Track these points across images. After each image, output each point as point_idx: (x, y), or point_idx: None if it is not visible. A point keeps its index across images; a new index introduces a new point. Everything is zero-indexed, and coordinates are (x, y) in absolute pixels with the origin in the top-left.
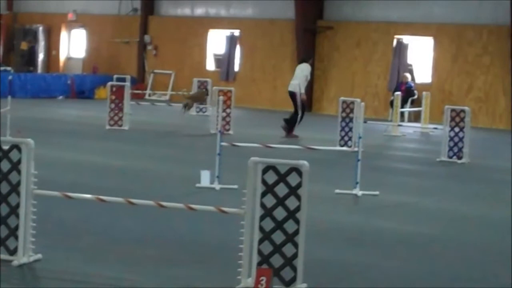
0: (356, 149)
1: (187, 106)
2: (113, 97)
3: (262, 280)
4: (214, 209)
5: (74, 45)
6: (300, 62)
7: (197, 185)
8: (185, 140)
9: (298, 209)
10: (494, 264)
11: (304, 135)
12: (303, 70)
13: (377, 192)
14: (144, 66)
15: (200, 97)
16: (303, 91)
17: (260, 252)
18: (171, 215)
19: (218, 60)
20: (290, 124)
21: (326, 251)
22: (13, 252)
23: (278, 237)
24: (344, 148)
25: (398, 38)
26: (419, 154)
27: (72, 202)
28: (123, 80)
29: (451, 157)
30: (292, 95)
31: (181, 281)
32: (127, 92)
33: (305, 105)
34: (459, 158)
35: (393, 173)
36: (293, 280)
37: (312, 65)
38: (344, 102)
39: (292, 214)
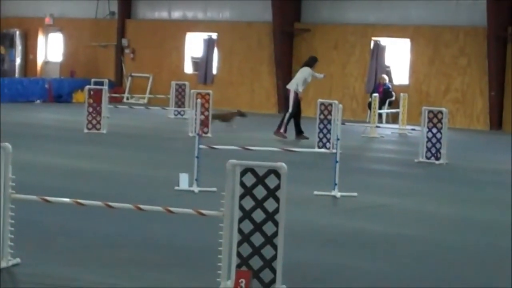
0: (334, 151)
1: (227, 121)
2: (91, 100)
3: (241, 282)
4: (193, 211)
5: (51, 49)
6: (303, 66)
7: (176, 188)
8: (164, 143)
9: (276, 211)
10: (473, 265)
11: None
12: (303, 72)
13: (355, 194)
14: (122, 70)
15: (228, 117)
16: (300, 90)
17: (239, 254)
18: (149, 218)
19: (196, 63)
20: (280, 122)
21: (305, 253)
22: None
23: (257, 239)
24: (323, 150)
25: (375, 40)
26: (397, 156)
27: (50, 206)
28: (101, 83)
29: (429, 158)
30: (286, 91)
31: (160, 284)
32: (105, 96)
33: (290, 103)
34: (437, 159)
35: (371, 174)
36: (272, 282)
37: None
38: (322, 104)
39: (270, 216)
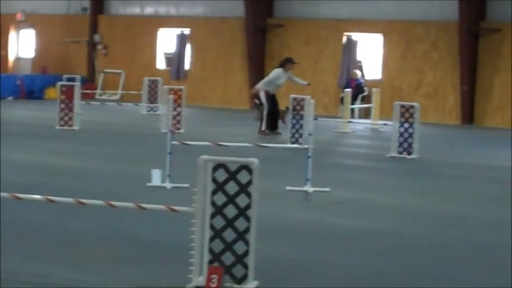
0: (306, 146)
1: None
2: (63, 97)
3: (213, 278)
4: (165, 208)
5: (23, 45)
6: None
7: (148, 184)
8: (136, 140)
9: (248, 206)
10: (446, 259)
11: (255, 133)
12: (271, 73)
13: (328, 189)
14: (94, 66)
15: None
16: (259, 86)
17: (211, 250)
18: (121, 214)
19: (169, 58)
20: (260, 121)
21: (277, 248)
22: None
23: (229, 235)
24: (295, 145)
25: (347, 35)
26: (369, 150)
27: (21, 203)
28: (73, 80)
29: (401, 153)
30: (254, 92)
31: (132, 280)
32: (77, 92)
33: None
34: (409, 153)
35: (344, 169)
36: (245, 277)
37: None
38: (294, 99)
39: (242, 212)
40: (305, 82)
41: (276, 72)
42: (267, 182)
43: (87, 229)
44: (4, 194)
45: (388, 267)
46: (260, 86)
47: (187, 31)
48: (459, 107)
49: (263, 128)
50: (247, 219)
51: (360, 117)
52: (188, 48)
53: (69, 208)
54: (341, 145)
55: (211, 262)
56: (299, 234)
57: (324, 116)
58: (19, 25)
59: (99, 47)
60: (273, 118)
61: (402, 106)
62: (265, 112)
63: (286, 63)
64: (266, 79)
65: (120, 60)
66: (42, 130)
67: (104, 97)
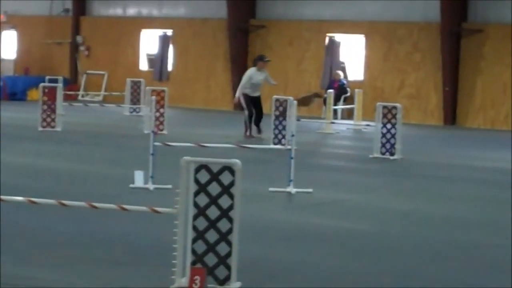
0: (289, 147)
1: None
2: (46, 98)
3: (196, 279)
4: (147, 209)
5: (5, 46)
6: None
7: (131, 185)
8: (119, 141)
9: (231, 207)
10: (428, 260)
11: (238, 134)
12: (245, 74)
13: (310, 190)
14: (76, 67)
15: (307, 101)
16: (237, 93)
17: (194, 252)
18: (104, 216)
19: (151, 60)
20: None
21: (260, 249)
22: None
23: (212, 236)
24: (278, 146)
25: (330, 36)
26: (352, 151)
27: (3, 205)
28: (56, 81)
29: (383, 154)
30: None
31: (115, 282)
32: (60, 93)
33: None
34: (392, 154)
35: (327, 170)
36: (227, 278)
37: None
38: (277, 100)
39: (225, 213)
40: (274, 82)
41: (248, 72)
42: (250, 183)
43: (70, 231)
44: None
45: (371, 267)
46: (238, 91)
47: (169, 32)
48: (442, 107)
49: (248, 133)
50: (230, 220)
51: (343, 118)
52: (170, 49)
53: (51, 210)
54: (324, 146)
55: (194, 263)
56: (282, 235)
57: (307, 117)
58: (1, 26)
59: (82, 48)
60: (258, 120)
61: (385, 107)
62: (246, 116)
63: (258, 61)
64: (241, 82)
65: (103, 61)
66: (24, 132)
67: (86, 98)
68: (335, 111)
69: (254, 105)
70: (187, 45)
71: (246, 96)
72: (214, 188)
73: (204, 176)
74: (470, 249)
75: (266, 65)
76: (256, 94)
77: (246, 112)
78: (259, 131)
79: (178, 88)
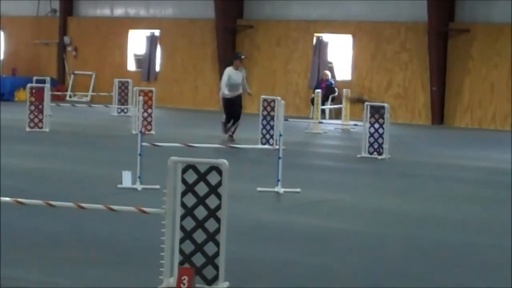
0: (277, 147)
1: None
2: (33, 99)
3: (184, 279)
4: (135, 209)
5: None
6: None
7: (119, 186)
8: (107, 141)
9: (218, 207)
10: (415, 259)
11: (225, 134)
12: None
13: (298, 189)
14: (64, 68)
15: (362, 99)
16: (226, 92)
17: (181, 252)
18: (91, 216)
19: (139, 60)
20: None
21: (248, 249)
22: None
23: (200, 236)
24: (266, 146)
25: (317, 36)
26: (340, 151)
27: None
28: (43, 81)
29: (371, 153)
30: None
31: (103, 282)
32: (47, 94)
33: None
34: (379, 154)
35: (315, 170)
36: (215, 278)
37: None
38: (265, 100)
39: (212, 213)
40: (248, 90)
41: (226, 71)
42: (238, 183)
43: (57, 231)
44: None
45: (358, 267)
46: (220, 92)
47: (157, 32)
48: (429, 107)
49: (227, 134)
50: (218, 220)
51: (330, 118)
52: (158, 50)
53: (38, 210)
54: (312, 146)
55: (181, 263)
56: (270, 234)
57: (294, 117)
58: None
59: (69, 48)
60: (233, 122)
61: (372, 106)
62: (224, 119)
63: (234, 60)
64: (221, 83)
65: (90, 61)
66: (12, 132)
67: (74, 98)
68: (323, 111)
69: (232, 107)
70: (174, 45)
71: (224, 100)
72: (201, 188)
73: (191, 176)
74: (458, 248)
75: (243, 63)
76: (236, 93)
77: (224, 116)
78: (232, 132)
79: (166, 88)
